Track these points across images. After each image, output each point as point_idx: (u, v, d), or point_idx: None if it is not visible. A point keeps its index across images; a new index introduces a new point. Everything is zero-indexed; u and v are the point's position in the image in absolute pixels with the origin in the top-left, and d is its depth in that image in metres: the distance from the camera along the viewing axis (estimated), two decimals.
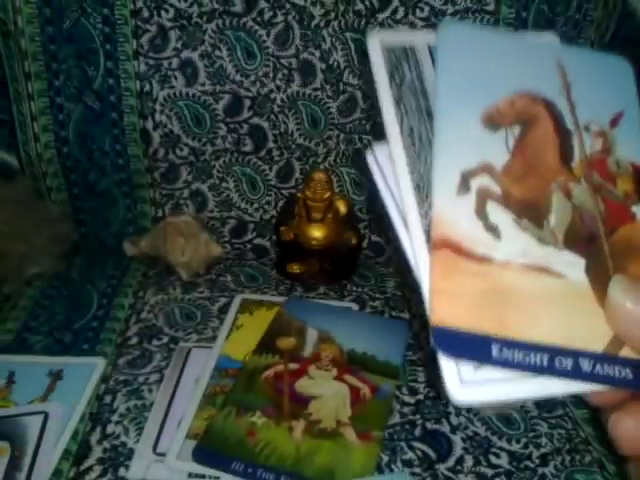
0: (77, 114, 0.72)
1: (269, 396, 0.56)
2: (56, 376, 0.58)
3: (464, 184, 0.27)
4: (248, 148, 0.75)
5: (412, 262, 0.26)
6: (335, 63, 0.72)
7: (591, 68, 0.31)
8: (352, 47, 0.71)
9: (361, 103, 0.74)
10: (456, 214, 0.27)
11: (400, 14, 0.70)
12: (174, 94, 0.72)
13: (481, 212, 0.27)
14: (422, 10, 0.70)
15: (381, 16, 0.70)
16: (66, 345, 0.63)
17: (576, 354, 0.25)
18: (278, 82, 0.73)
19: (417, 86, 0.29)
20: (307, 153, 0.76)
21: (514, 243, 0.27)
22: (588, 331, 0.26)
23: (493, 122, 0.29)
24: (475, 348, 0.24)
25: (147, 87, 0.71)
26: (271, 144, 0.75)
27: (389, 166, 0.28)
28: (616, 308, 0.25)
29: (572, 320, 0.26)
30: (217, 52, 0.71)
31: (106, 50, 0.70)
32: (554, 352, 0.25)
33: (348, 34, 0.71)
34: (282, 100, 0.73)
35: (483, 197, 0.27)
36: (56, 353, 0.62)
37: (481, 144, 0.28)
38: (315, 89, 0.73)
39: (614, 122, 0.30)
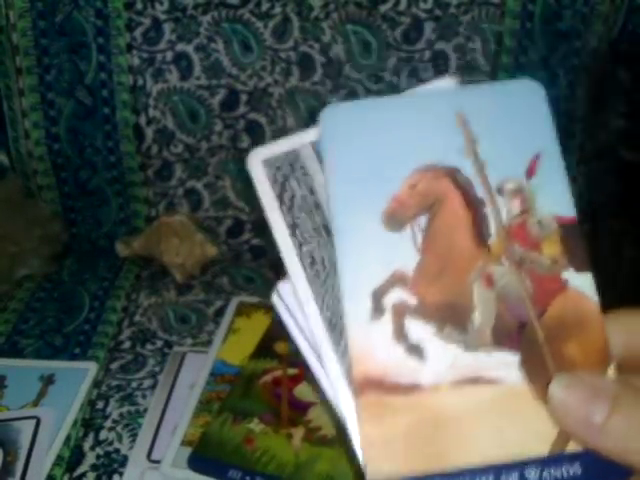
0: (68, 110, 0.74)
1: (267, 402, 0.57)
2: (48, 380, 0.60)
3: (377, 306, 0.26)
4: (245, 144, 0.76)
5: (340, 412, 0.26)
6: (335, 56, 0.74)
7: (497, 109, 0.29)
8: (353, 40, 0.73)
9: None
10: (373, 345, 0.26)
11: (403, 5, 0.72)
12: (168, 88, 0.74)
13: (400, 334, 0.26)
14: (425, 1, 0.72)
15: (383, 8, 0.72)
16: (57, 349, 0.65)
17: (521, 466, 0.25)
18: (276, 76, 0.74)
19: (309, 200, 0.28)
20: None
21: (440, 359, 0.26)
22: (531, 435, 0.25)
23: (395, 219, 0.27)
24: None
25: (140, 81, 0.73)
26: (269, 140, 0.77)
27: (297, 306, 0.27)
28: (559, 407, 0.25)
29: (513, 428, 0.25)
30: (213, 45, 0.73)
31: (98, 43, 0.72)
32: (498, 471, 0.25)
33: (349, 26, 0.73)
34: (280, 95, 0.75)
35: (400, 315, 0.26)
36: (47, 357, 0.64)
37: (388, 250, 0.27)
38: (314, 83, 0.75)
39: (531, 171, 0.28)
